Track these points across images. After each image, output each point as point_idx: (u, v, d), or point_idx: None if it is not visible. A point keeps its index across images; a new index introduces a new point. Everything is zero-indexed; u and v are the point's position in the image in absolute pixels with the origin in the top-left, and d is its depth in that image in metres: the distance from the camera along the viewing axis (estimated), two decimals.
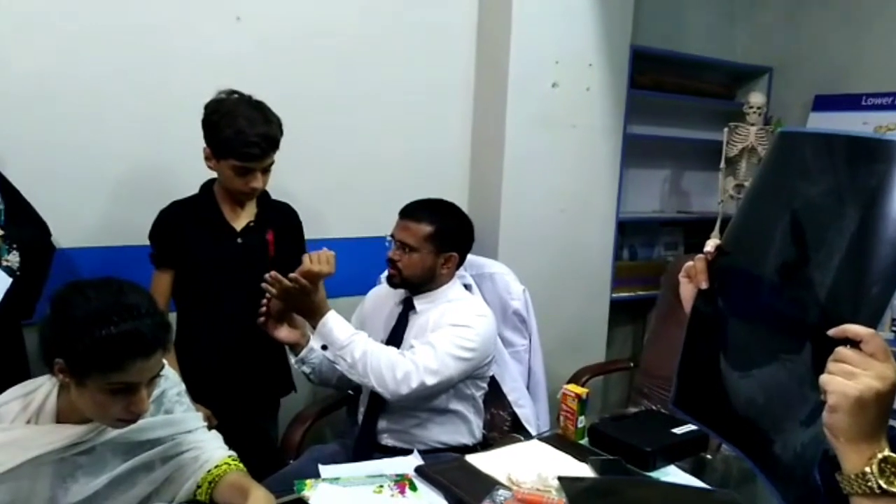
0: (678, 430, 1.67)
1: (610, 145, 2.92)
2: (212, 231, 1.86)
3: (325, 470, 1.53)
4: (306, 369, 1.85)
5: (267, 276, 1.68)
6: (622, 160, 2.98)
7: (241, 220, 1.90)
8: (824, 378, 0.78)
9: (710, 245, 0.98)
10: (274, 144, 1.79)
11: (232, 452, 1.42)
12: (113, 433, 1.25)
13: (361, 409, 1.96)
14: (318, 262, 1.68)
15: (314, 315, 1.74)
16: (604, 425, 1.73)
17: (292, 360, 1.85)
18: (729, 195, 3.29)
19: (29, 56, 1.91)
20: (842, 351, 0.78)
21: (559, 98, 2.73)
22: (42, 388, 1.26)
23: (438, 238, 1.87)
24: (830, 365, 0.78)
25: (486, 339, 1.85)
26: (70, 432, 1.21)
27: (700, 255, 0.99)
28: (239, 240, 1.88)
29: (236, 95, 1.77)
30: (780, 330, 0.86)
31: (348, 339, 1.73)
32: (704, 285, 0.98)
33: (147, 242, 1.90)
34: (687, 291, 1.01)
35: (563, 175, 2.80)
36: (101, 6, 1.99)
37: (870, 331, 0.77)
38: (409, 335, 1.91)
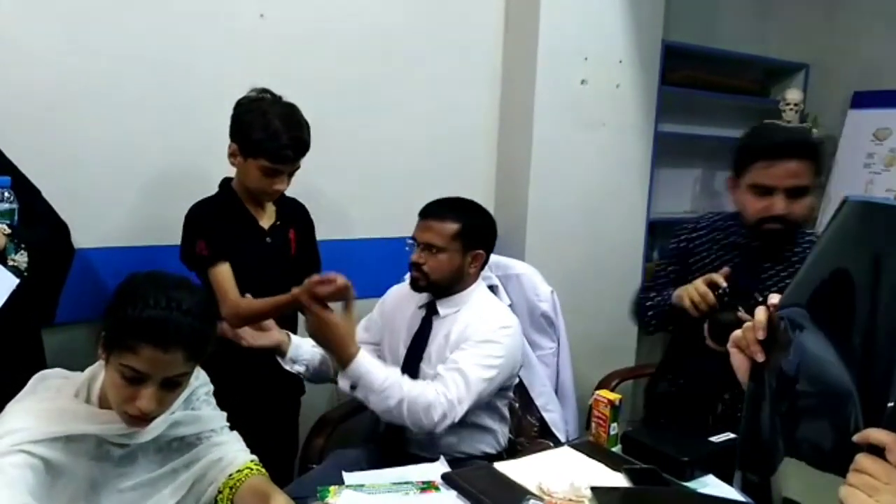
0: (716, 439, 1.60)
1: (640, 144, 2.86)
2: (243, 231, 1.84)
3: (350, 476, 1.50)
4: (299, 368, 1.80)
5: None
6: (653, 159, 2.92)
7: (266, 219, 1.89)
8: (844, 493, 0.70)
9: (762, 315, 0.87)
10: (305, 149, 1.78)
11: (253, 457, 1.39)
12: (148, 435, 1.23)
13: None
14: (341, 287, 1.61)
15: (342, 350, 1.64)
16: (637, 433, 1.67)
17: (281, 363, 1.80)
18: None
19: (51, 54, 1.90)
20: (862, 461, 0.70)
21: (588, 95, 2.67)
22: (87, 370, 1.27)
23: (465, 235, 1.81)
24: (851, 476, 0.70)
25: (511, 352, 1.79)
26: (115, 417, 1.20)
27: (749, 325, 0.89)
28: (268, 239, 1.87)
29: (269, 96, 1.76)
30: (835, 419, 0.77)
31: (381, 385, 1.64)
32: (760, 358, 0.87)
33: (168, 242, 1.87)
34: (739, 362, 0.91)
35: (593, 174, 2.75)
36: (125, 3, 1.98)
37: (894, 436, 0.68)
38: (433, 343, 1.85)
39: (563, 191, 2.68)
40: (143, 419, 1.18)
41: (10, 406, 1.20)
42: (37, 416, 1.16)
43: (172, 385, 1.18)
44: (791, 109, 3.11)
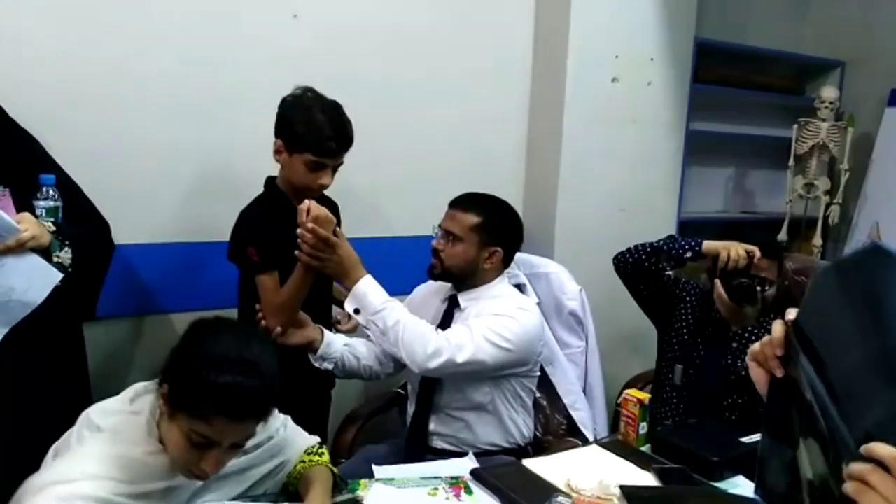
0: (746, 439, 1.59)
1: (672, 142, 2.84)
2: (291, 230, 1.79)
3: (380, 470, 1.52)
4: (328, 365, 1.82)
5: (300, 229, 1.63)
6: (684, 157, 2.89)
7: None
8: None
9: (779, 331, 0.87)
10: (348, 143, 1.79)
11: (310, 443, 1.42)
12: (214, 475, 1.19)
13: (410, 410, 1.93)
14: (316, 207, 1.62)
15: (347, 275, 1.67)
16: (667, 432, 1.67)
17: (311, 360, 1.82)
18: (798, 194, 3.17)
19: (91, 55, 1.94)
20: (870, 476, 0.70)
21: (619, 93, 2.66)
22: (145, 406, 1.21)
23: (484, 230, 1.83)
24: (855, 487, 0.70)
25: (527, 332, 1.79)
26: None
27: (767, 339, 0.89)
28: None
29: (312, 94, 1.78)
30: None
31: (382, 304, 1.67)
32: (779, 373, 0.88)
33: (207, 239, 1.89)
34: (758, 375, 0.92)
35: (623, 173, 2.73)
36: (162, 5, 2.02)
37: (892, 453, 0.68)
38: None
39: (592, 189, 2.66)
40: (206, 477, 1.16)
41: (88, 444, 1.16)
42: (113, 465, 1.11)
43: (239, 447, 1.17)
44: (827, 107, 3.05)
